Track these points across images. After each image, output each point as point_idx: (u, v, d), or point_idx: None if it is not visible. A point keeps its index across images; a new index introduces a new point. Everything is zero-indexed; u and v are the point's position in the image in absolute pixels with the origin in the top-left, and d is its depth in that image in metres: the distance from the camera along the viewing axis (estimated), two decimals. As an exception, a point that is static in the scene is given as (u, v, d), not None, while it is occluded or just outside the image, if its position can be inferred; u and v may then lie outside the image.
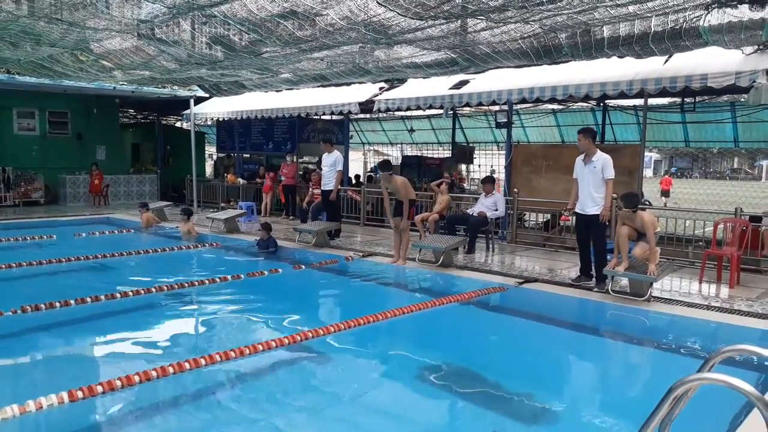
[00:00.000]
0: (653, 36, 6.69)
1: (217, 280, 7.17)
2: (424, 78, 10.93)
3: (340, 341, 5.11)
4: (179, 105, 17.34)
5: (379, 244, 9.99)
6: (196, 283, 6.98)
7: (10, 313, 5.43)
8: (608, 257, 6.68)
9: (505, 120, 10.99)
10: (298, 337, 4.89)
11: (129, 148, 20.29)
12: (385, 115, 20.02)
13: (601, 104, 14.86)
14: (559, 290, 6.84)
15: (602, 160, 6.79)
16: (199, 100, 16.22)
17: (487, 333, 5.96)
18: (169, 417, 3.67)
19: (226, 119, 16.79)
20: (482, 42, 7.48)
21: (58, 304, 5.73)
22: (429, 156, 19.87)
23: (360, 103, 12.92)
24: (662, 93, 9.51)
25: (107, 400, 3.68)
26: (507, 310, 6.59)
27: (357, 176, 17.66)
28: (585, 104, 15.62)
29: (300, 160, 16.02)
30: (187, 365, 4.13)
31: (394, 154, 26.74)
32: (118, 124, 19.28)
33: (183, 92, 15.24)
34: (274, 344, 4.68)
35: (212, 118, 17.49)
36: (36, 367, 4.74)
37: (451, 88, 11.45)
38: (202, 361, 4.22)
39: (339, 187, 10.45)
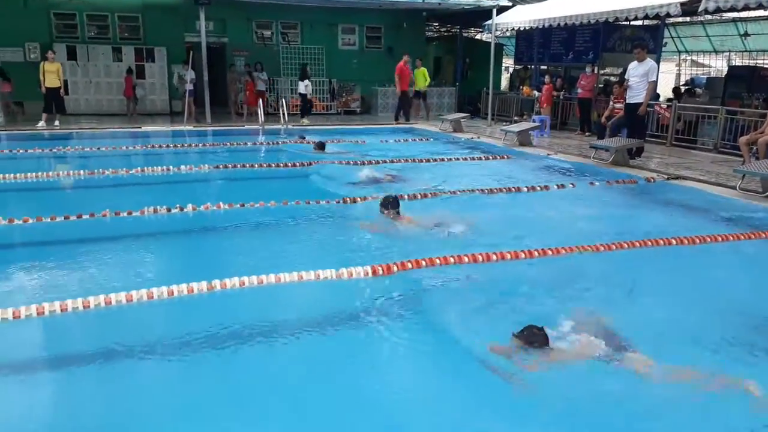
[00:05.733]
0: None
1: (504, 190, 7.41)
2: (775, -35, 8.86)
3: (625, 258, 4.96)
4: (481, 16, 17.33)
5: (689, 168, 8.86)
6: (494, 190, 7.40)
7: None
8: None
9: None
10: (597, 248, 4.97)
11: (432, 62, 21.37)
12: (711, 17, 17.05)
13: None
14: None
15: None
16: (500, 11, 16.00)
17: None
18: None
19: (526, 29, 16.29)
20: None
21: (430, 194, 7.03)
22: (765, 67, 16.47)
23: (682, 4, 11.17)
24: None
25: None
26: None
27: (677, 89, 15.66)
28: None
29: (601, 72, 14.83)
30: (494, 257, 4.73)
31: (718, 65, 22.90)
32: (424, 38, 20.37)
33: (486, 1, 15.20)
34: (563, 251, 4.91)
35: (512, 29, 17.15)
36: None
37: (813, -23, 9.09)
38: (508, 255, 4.79)
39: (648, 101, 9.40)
